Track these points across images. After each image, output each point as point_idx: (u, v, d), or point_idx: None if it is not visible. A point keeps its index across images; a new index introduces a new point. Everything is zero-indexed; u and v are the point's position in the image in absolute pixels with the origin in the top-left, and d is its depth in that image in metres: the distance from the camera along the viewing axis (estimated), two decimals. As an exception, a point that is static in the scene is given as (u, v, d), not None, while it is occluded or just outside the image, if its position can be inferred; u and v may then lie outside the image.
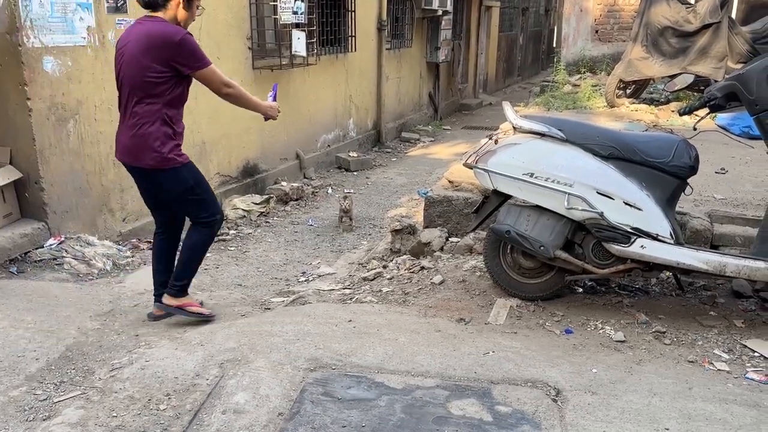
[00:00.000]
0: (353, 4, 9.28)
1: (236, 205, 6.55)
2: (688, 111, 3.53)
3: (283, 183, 7.53)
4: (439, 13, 11.97)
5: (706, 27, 6.98)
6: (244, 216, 6.53)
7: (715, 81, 3.88)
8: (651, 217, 3.17)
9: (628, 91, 7.93)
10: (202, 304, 3.49)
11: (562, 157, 3.28)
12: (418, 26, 11.94)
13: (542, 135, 3.37)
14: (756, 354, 3.00)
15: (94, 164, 5.01)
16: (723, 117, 7.03)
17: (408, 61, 11.78)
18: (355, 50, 9.53)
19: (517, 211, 3.42)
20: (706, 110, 3.46)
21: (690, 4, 7.36)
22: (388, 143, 10.90)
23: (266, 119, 3.43)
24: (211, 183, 6.45)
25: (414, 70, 12.18)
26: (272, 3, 6.97)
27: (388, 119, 11.01)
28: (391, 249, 5.14)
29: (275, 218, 6.69)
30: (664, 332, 3.21)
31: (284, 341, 2.99)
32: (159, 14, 3.04)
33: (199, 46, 3.09)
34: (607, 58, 11.53)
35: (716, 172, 5.14)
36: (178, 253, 3.39)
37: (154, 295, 3.40)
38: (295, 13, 7.01)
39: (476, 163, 3.52)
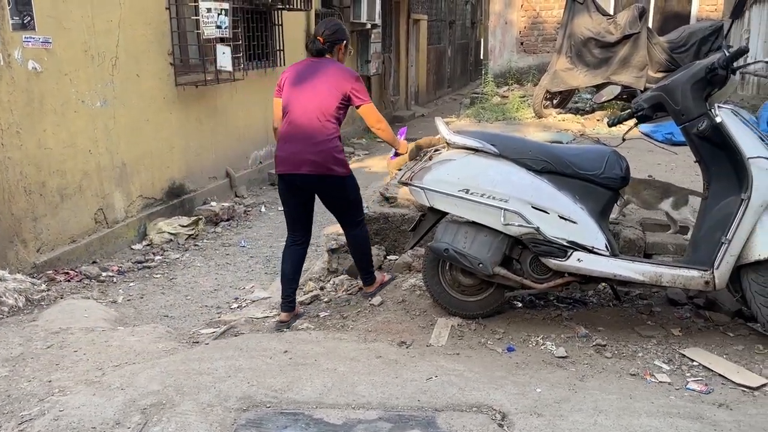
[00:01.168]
0: (280, 18, 9.12)
1: (162, 229, 6.24)
2: (616, 122, 3.55)
3: (213, 203, 7.26)
4: (368, 26, 11.95)
5: (626, 38, 7.19)
6: (171, 240, 6.23)
7: (641, 92, 3.93)
8: (586, 229, 3.16)
9: (555, 102, 8.08)
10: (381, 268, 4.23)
11: (496, 173, 3.23)
12: (347, 39, 11.85)
13: (476, 150, 3.31)
14: (695, 363, 3.00)
15: (3, 192, 4.64)
16: (646, 125, 7.25)
17: (338, 74, 11.65)
18: (284, 64, 9.34)
19: (455, 228, 3.34)
20: (633, 121, 3.49)
21: (610, 15, 7.58)
22: (321, 158, 10.73)
23: (395, 156, 4.00)
24: (134, 207, 6.14)
25: (345, 84, 12.07)
26: (194, 17, 6.73)
27: (320, 134, 10.84)
28: (328, 269, 4.99)
29: (205, 241, 6.42)
30: (604, 345, 3.19)
31: (214, 379, 2.79)
32: (328, 56, 3.68)
33: None
34: (533, 69, 11.77)
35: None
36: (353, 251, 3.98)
37: (283, 304, 3.83)
38: (218, 27, 6.78)
39: (411, 180, 3.42)
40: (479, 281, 3.44)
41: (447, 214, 3.42)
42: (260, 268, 5.70)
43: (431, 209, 3.43)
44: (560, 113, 7.97)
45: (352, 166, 10.65)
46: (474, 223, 3.29)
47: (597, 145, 3.43)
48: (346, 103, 3.60)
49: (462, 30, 24.61)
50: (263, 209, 7.76)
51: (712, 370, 2.94)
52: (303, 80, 3.59)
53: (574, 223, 3.15)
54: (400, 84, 16.19)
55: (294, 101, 3.58)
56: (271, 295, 4.85)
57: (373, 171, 9.79)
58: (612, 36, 7.29)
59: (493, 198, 3.19)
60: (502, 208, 3.16)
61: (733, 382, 2.83)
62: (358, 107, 3.61)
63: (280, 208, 7.87)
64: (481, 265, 3.22)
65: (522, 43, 11.96)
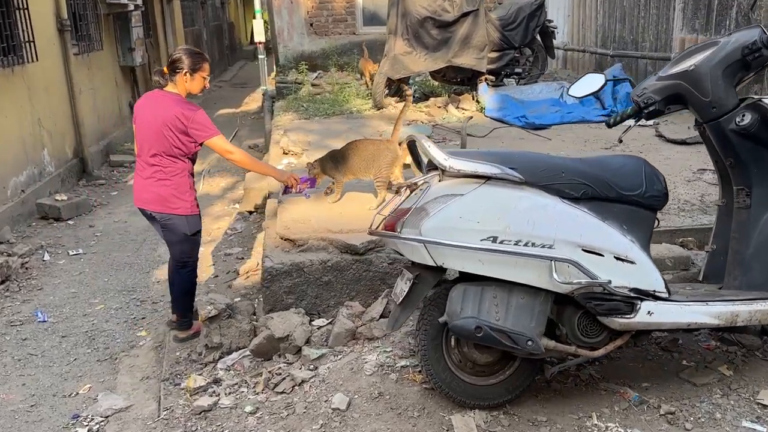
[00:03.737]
0: (24, 1, 6.91)
1: None
2: (618, 121, 2.84)
3: (-27, 262, 5.12)
4: (131, 7, 9.95)
5: (464, 15, 6.66)
6: (-75, 332, 4.16)
7: (629, 81, 3.25)
8: (644, 269, 2.40)
9: (391, 90, 7.28)
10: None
11: (529, 208, 2.29)
12: (106, 24, 9.74)
13: (487, 178, 2.33)
14: (785, 414, 2.45)
15: None
16: (491, 109, 6.86)
17: (100, 67, 9.55)
18: (36, 59, 7.17)
19: (476, 293, 2.33)
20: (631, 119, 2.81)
21: (445, -10, 6.98)
22: (98, 172, 8.65)
23: (286, 191, 3.88)
24: None
25: (109, 78, 9.97)
26: None
27: (90, 142, 8.73)
28: (206, 345, 3.61)
29: (-21, 323, 4.42)
30: (673, 412, 2.48)
31: None
32: (171, 87, 3.54)
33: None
34: (327, 53, 10.91)
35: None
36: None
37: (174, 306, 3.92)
38: (-49, 11, 4.67)
39: (399, 229, 2.33)
40: (499, 355, 2.50)
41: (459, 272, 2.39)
42: (86, 352, 4.02)
43: (427, 268, 2.38)
44: (399, 102, 7.23)
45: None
46: (500, 280, 2.32)
47: (624, 154, 2.67)
48: (190, 138, 3.50)
49: (213, 11, 22.86)
50: (47, 256, 5.76)
51: (811, 421, 2.40)
52: (142, 117, 3.57)
53: (632, 263, 2.37)
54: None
55: (137, 138, 3.61)
56: (131, 401, 3.35)
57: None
58: (449, 14, 6.71)
59: (533, 245, 2.26)
60: (550, 258, 2.24)
61: None
62: (202, 143, 3.55)
63: (72, 252, 5.95)
64: (530, 343, 2.28)
65: (312, 25, 10.98)
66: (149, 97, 3.63)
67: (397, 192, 2.66)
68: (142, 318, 4.48)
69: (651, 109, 2.70)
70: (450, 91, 7.57)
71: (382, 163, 3.97)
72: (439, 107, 6.91)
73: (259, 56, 13.78)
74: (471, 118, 6.06)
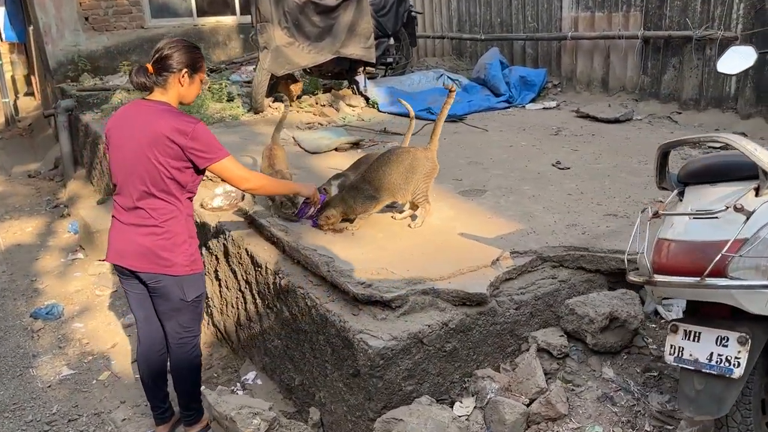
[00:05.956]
0: None
1: None
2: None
3: None
4: None
5: (347, 0, 5.79)
6: None
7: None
8: None
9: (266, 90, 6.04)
10: None
11: None
12: None
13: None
14: None
15: None
16: (385, 103, 6.18)
17: None
18: None
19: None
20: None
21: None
22: None
23: (305, 209, 3.20)
24: None
25: None
26: None
27: None
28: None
29: None
30: None
31: None
32: (160, 92, 2.60)
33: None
34: (111, 51, 9.04)
35: (556, 166, 4.17)
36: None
37: (156, 417, 3.04)
38: None
39: (734, 272, 1.63)
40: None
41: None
42: None
43: (758, 321, 1.71)
44: (275, 102, 6.05)
45: None
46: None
47: None
48: (187, 164, 2.55)
49: None
50: None
51: None
52: (119, 140, 2.61)
53: None
54: None
55: (114, 170, 2.65)
56: None
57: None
58: (331, -2, 5.78)
59: None
60: None
61: None
62: (204, 169, 2.60)
63: None
64: None
65: (88, 19, 8.91)
66: (128, 112, 2.63)
67: (656, 216, 1.92)
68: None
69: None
70: (321, 86, 6.64)
71: (420, 175, 3.14)
72: (324, 105, 5.97)
73: (42, 60, 11.08)
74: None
